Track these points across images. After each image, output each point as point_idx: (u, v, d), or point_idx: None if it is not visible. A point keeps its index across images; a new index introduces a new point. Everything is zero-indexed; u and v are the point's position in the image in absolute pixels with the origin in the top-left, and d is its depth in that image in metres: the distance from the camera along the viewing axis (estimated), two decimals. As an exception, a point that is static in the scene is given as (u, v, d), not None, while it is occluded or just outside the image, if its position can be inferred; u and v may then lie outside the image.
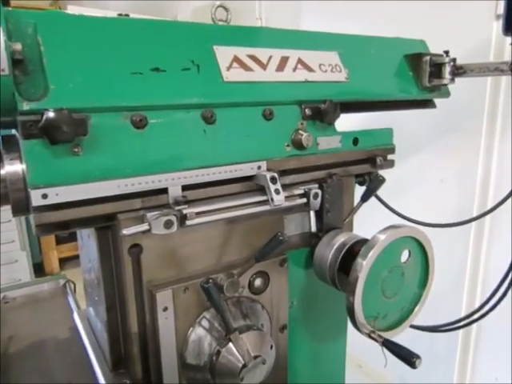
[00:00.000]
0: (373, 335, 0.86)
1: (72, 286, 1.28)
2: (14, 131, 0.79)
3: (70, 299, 1.21)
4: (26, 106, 0.62)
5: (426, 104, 1.19)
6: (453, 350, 1.80)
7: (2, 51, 0.60)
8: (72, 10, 2.83)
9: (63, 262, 5.11)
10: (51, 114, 0.60)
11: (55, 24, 0.67)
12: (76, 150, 0.65)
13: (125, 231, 0.73)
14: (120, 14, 0.78)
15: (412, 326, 1.04)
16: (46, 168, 0.63)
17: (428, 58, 1.10)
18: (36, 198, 0.62)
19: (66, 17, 0.69)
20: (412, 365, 0.78)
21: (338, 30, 1.04)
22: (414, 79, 1.12)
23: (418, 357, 0.78)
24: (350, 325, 1.12)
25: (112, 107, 0.68)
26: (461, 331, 1.73)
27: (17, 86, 0.63)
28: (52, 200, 0.64)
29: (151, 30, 0.77)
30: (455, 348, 1.79)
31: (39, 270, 4.77)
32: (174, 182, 0.77)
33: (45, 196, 0.63)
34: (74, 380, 0.89)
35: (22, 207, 0.71)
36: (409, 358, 0.78)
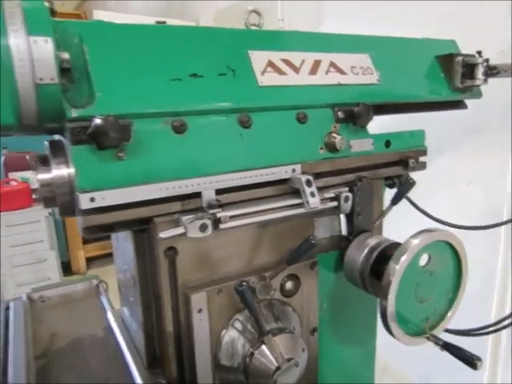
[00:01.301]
0: (432, 338, 0.85)
1: (105, 286, 1.31)
2: (55, 137, 0.82)
3: (103, 299, 1.24)
4: (74, 113, 0.64)
5: (457, 105, 1.17)
6: (483, 351, 1.77)
7: (51, 60, 0.62)
8: (98, 15, 2.89)
9: (89, 261, 5.22)
10: (99, 121, 0.62)
11: (99, 33, 0.69)
12: (120, 154, 0.67)
13: (162, 234, 0.75)
14: (158, 22, 0.80)
15: (446, 330, 1.03)
16: (93, 172, 0.66)
17: (460, 58, 1.09)
18: (84, 202, 0.64)
19: (109, 26, 0.71)
20: (474, 366, 0.78)
21: (360, 29, 1.04)
22: (446, 80, 1.11)
23: (479, 359, 0.78)
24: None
25: (154, 113, 0.70)
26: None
27: (64, 93, 0.66)
28: (99, 203, 0.66)
29: (189, 36, 0.78)
30: (485, 349, 1.76)
31: (66, 269, 4.88)
32: (208, 186, 0.78)
33: (92, 199, 0.65)
34: (111, 378, 0.91)
35: (68, 210, 0.74)
36: (470, 359, 0.78)
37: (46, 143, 0.77)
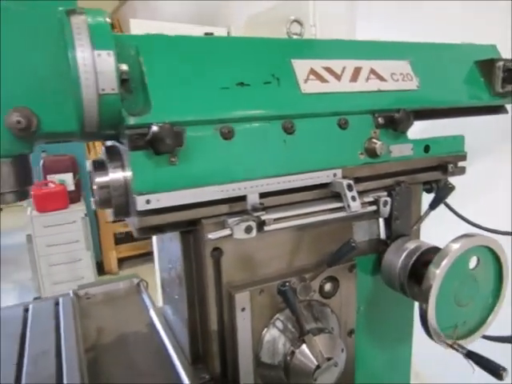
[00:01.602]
0: (455, 346, 0.86)
1: (145, 284, 1.36)
2: (109, 142, 0.87)
3: (145, 297, 1.29)
4: (132, 121, 0.69)
5: (498, 110, 1.16)
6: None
7: (113, 72, 0.67)
8: (135, 24, 2.99)
9: (121, 261, 5.36)
10: (156, 128, 0.66)
11: (154, 45, 0.74)
12: (173, 159, 0.72)
13: (210, 235, 0.79)
14: (206, 33, 0.84)
15: (484, 337, 1.03)
16: (148, 176, 0.70)
17: (501, 63, 1.08)
18: (140, 204, 0.69)
19: (163, 38, 0.76)
20: (499, 377, 0.77)
21: (393, 34, 1.05)
22: (486, 85, 1.10)
23: (504, 369, 0.77)
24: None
25: (204, 120, 0.74)
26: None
27: (121, 102, 0.71)
28: (154, 205, 0.70)
29: (236, 46, 0.82)
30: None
31: (99, 269, 5.04)
32: (253, 190, 0.82)
33: (148, 201, 0.70)
34: (156, 372, 0.96)
35: (122, 211, 0.79)
36: (496, 369, 0.77)
37: (103, 148, 0.83)
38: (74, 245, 4.50)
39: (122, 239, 5.49)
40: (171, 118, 0.70)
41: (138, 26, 3.19)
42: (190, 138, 0.72)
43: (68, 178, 4.57)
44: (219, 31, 3.62)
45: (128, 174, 0.77)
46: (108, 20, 0.70)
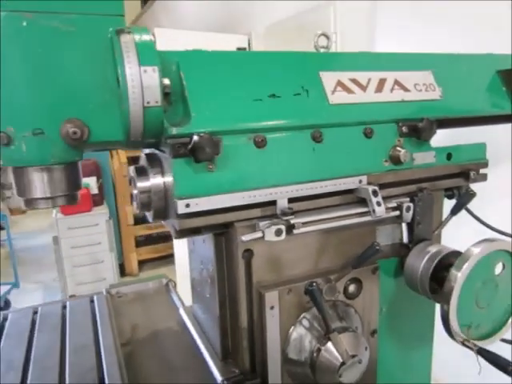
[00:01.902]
0: (467, 343, 0.89)
1: (173, 284, 1.43)
2: (146, 150, 0.94)
3: (174, 296, 1.35)
4: (174, 131, 0.75)
5: (520, 118, 1.19)
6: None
7: (157, 87, 0.73)
8: (159, 32, 3.09)
9: (141, 263, 5.48)
10: (197, 138, 0.72)
11: (193, 61, 0.80)
12: (211, 167, 0.77)
13: (243, 237, 0.84)
14: (239, 48, 0.90)
15: (504, 340, 1.05)
16: (189, 182, 0.76)
17: (522, 73, 1.11)
18: (181, 207, 0.75)
19: (201, 54, 0.82)
20: (508, 372, 0.81)
21: (411, 43, 1.09)
22: (508, 94, 1.13)
23: None
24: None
25: (239, 130, 0.80)
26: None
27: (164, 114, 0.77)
28: (193, 209, 0.76)
29: (268, 60, 0.87)
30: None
31: (120, 270, 5.16)
32: (282, 195, 0.87)
33: (187, 205, 0.75)
34: (189, 366, 1.01)
35: (161, 214, 0.85)
36: (505, 365, 0.81)
37: (143, 156, 0.89)
38: (97, 247, 4.63)
39: (142, 242, 5.62)
40: (209, 128, 0.76)
41: (161, 35, 3.29)
42: (225, 146, 0.78)
43: (92, 182, 4.71)
44: (240, 39, 3.70)
45: (167, 179, 0.83)
46: (152, 38, 0.77)
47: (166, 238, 5.53)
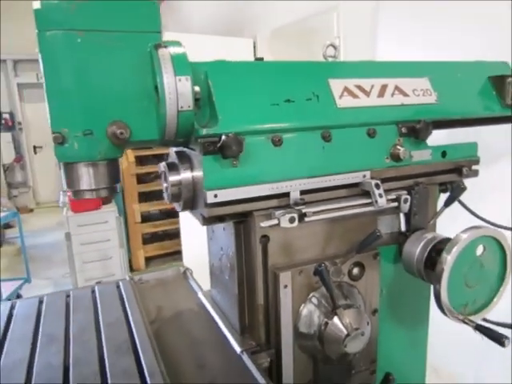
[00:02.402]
0: (466, 321, 1.01)
1: (191, 271, 1.55)
2: (175, 148, 1.06)
3: (192, 283, 1.48)
4: (204, 132, 0.87)
5: (509, 120, 1.31)
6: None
7: (189, 93, 0.86)
8: (166, 36, 3.18)
9: (148, 260, 5.60)
10: (225, 138, 0.84)
11: (220, 70, 0.93)
12: (235, 162, 0.90)
13: (262, 224, 0.97)
14: (257, 59, 1.02)
15: (492, 322, 1.17)
16: (216, 175, 0.89)
17: (511, 79, 1.23)
18: (210, 197, 0.87)
19: (226, 64, 0.94)
20: (502, 344, 0.93)
21: (411, 48, 1.20)
22: (498, 98, 1.25)
23: (506, 337, 0.93)
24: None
25: (259, 130, 0.92)
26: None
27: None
28: (220, 199, 0.89)
29: (283, 69, 1.00)
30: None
31: (128, 266, 5.28)
32: (295, 188, 0.99)
33: (215, 196, 0.88)
34: (210, 340, 1.14)
35: (189, 204, 0.98)
36: (499, 338, 0.93)
37: (173, 154, 1.02)
38: (106, 243, 4.74)
39: (148, 239, 5.75)
40: (234, 129, 0.88)
41: (170, 39, 3.39)
42: (247, 145, 0.91)
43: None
44: (246, 42, 3.82)
45: (196, 173, 0.95)
46: (185, 50, 0.89)
47: (170, 236, 5.66)
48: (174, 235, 5.36)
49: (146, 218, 5.52)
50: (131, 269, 5.48)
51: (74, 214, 4.63)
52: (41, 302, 1.36)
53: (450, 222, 1.39)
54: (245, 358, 1.05)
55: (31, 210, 9.19)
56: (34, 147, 9.28)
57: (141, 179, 5.35)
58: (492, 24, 2.04)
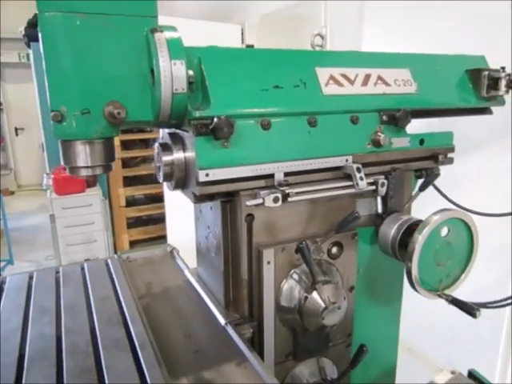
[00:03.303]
0: (441, 295, 1.11)
1: (178, 251, 1.61)
2: (167, 130, 1.10)
3: (179, 261, 1.53)
4: (197, 114, 0.92)
5: (483, 111, 1.39)
6: (497, 334, 1.97)
7: (184, 77, 0.90)
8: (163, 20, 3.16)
9: (132, 244, 5.62)
10: (217, 120, 0.90)
11: (213, 56, 0.97)
12: (226, 144, 0.95)
13: (248, 202, 1.03)
14: (248, 46, 1.07)
15: (461, 302, 1.25)
16: (208, 156, 0.94)
17: (486, 73, 1.30)
18: (202, 176, 0.93)
19: (219, 50, 0.99)
20: (473, 315, 1.03)
21: (399, 38, 1.26)
22: (474, 90, 1.33)
23: (477, 309, 1.03)
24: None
25: (249, 114, 0.97)
26: (506, 317, 1.90)
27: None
28: (211, 178, 0.94)
29: (272, 56, 1.05)
30: (500, 332, 1.96)
31: (113, 250, 5.29)
32: (280, 169, 1.05)
33: (207, 175, 0.93)
34: (196, 314, 1.20)
35: (180, 183, 1.03)
36: (470, 310, 1.03)
37: (166, 135, 1.06)
38: (91, 226, 4.74)
39: (132, 224, 5.76)
40: (226, 112, 0.93)
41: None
42: (238, 127, 0.96)
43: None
44: (233, 28, 3.81)
45: (188, 154, 1.00)
46: (180, 35, 0.93)
47: (155, 221, 5.68)
48: (159, 220, 5.38)
49: (131, 203, 5.52)
50: (115, 252, 5.49)
51: (58, 197, 4.61)
52: (31, 278, 1.39)
53: (425, 207, 1.48)
54: (229, 329, 1.12)
55: (12, 193, 9.05)
56: (16, 129, 9.09)
57: (126, 163, 5.34)
58: (492, 24, 2.09)
